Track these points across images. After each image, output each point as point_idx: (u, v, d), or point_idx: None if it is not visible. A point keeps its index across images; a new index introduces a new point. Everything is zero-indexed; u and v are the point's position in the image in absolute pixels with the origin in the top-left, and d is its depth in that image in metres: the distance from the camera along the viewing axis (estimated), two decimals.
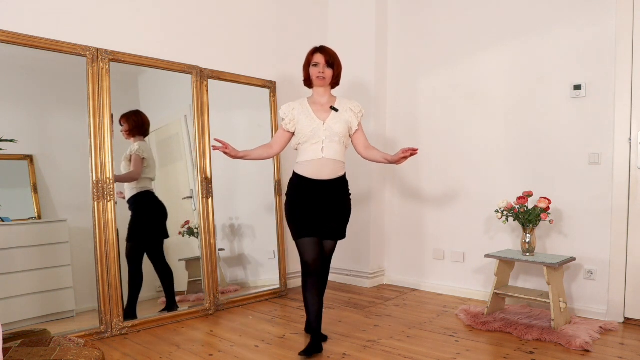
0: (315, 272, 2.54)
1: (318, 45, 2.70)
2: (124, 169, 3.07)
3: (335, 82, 2.67)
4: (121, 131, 3.05)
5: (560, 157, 3.26)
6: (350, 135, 2.67)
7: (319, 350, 2.54)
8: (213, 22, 3.57)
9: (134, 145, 3.08)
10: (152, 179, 3.16)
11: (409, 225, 4.07)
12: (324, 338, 2.70)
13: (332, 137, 2.55)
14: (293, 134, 2.65)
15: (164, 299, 3.22)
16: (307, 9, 4.24)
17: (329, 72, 2.60)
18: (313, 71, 2.61)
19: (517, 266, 3.37)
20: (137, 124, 3.09)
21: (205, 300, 3.28)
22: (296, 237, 2.57)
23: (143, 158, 3.08)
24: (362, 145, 2.71)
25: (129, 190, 3.09)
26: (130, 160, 3.05)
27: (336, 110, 2.60)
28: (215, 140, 2.61)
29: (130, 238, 3.02)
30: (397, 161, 2.58)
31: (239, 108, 3.76)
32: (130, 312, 2.98)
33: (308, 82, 2.69)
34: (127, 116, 3.07)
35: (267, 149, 2.71)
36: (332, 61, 2.61)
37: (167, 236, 3.24)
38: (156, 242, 3.19)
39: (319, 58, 2.61)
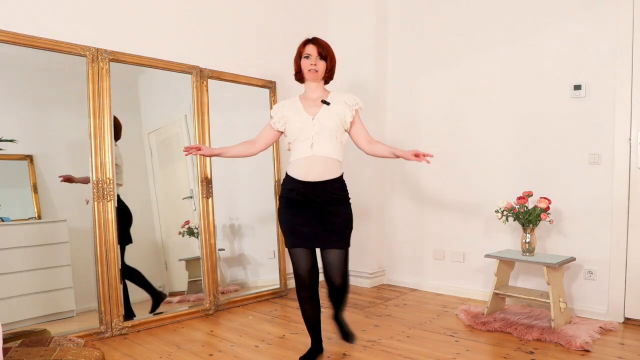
0: (310, 284, 2.41)
1: (310, 37, 2.48)
2: None
3: (328, 76, 2.46)
4: None
5: (561, 157, 3.26)
6: (346, 130, 2.44)
7: (320, 350, 2.54)
8: (213, 22, 3.57)
9: None
10: (120, 184, 3.03)
11: (409, 225, 4.07)
12: (352, 337, 2.61)
13: (321, 132, 2.33)
14: (282, 133, 2.48)
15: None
16: (307, 9, 4.24)
17: (321, 65, 2.39)
18: (304, 64, 2.40)
19: (517, 266, 3.36)
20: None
21: (205, 300, 3.28)
22: (288, 246, 2.42)
23: (116, 164, 3.01)
24: (364, 140, 2.48)
25: None
26: None
27: (327, 103, 2.39)
28: (186, 147, 2.52)
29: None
30: (407, 157, 2.40)
31: (239, 108, 3.76)
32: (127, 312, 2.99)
33: (299, 76, 2.47)
34: None
35: (249, 146, 2.54)
36: (325, 53, 2.40)
37: (130, 241, 3.09)
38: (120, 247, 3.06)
39: (310, 49, 2.39)
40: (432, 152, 3.77)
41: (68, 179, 2.84)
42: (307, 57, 2.39)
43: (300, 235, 2.36)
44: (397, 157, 2.44)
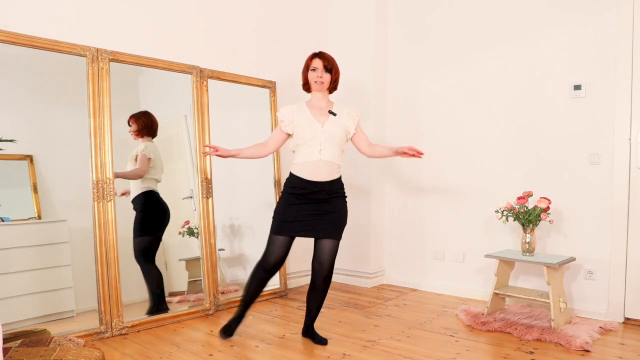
0: (270, 270, 2.68)
1: (317, 50, 2.76)
2: (130, 169, 3.09)
3: (333, 87, 2.74)
4: (129, 131, 3.09)
5: (561, 157, 3.26)
6: (348, 139, 2.75)
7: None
8: (213, 22, 3.57)
9: (140, 144, 3.11)
10: (158, 181, 3.18)
11: (409, 225, 4.07)
12: (324, 341, 2.71)
13: (330, 139, 2.62)
14: (290, 135, 2.71)
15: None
16: (307, 9, 4.24)
17: (327, 77, 2.67)
18: (311, 76, 2.68)
19: (517, 266, 3.36)
20: (145, 125, 3.12)
21: (205, 300, 3.28)
22: (272, 232, 2.66)
23: (149, 158, 3.10)
24: (365, 145, 2.79)
25: (134, 189, 3.11)
26: (136, 160, 3.08)
27: (334, 114, 2.68)
28: (205, 146, 2.72)
29: (135, 234, 3.08)
30: (402, 153, 2.65)
31: (239, 108, 3.75)
32: (160, 309, 3.07)
33: (306, 87, 2.76)
34: (136, 117, 3.10)
35: (261, 148, 2.76)
36: (330, 66, 2.67)
37: (160, 239, 3.22)
38: (151, 243, 3.18)
39: (317, 63, 2.67)
40: (433, 152, 3.85)
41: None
42: (314, 70, 2.67)
43: (289, 225, 2.62)
44: (396, 153, 2.69)
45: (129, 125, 3.08)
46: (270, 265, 2.67)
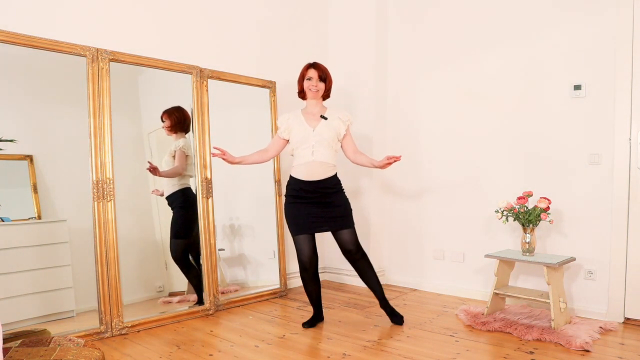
0: (310, 267, 2.92)
1: (312, 61, 2.99)
2: (166, 164, 3.14)
3: (326, 94, 2.98)
4: (163, 127, 3.16)
5: (561, 157, 3.26)
6: (339, 141, 2.95)
7: (321, 319, 3.06)
8: (213, 22, 3.57)
9: (178, 141, 3.18)
10: (192, 176, 3.25)
11: (408, 225, 4.07)
12: (401, 321, 2.99)
13: (320, 142, 2.85)
14: (287, 141, 2.95)
15: (163, 299, 3.23)
16: (307, 9, 4.24)
17: (321, 86, 2.92)
18: (307, 84, 2.92)
19: (517, 266, 3.36)
20: (178, 120, 3.19)
21: (205, 300, 3.28)
22: (293, 234, 2.91)
23: (187, 155, 3.14)
24: (351, 150, 3.01)
25: (170, 187, 3.15)
26: (174, 157, 3.11)
27: (325, 118, 2.90)
28: (215, 148, 2.83)
29: (175, 235, 3.15)
30: (382, 166, 2.90)
31: (239, 108, 3.76)
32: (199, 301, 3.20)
33: (302, 94, 2.99)
34: (169, 112, 3.17)
35: (263, 154, 3.01)
36: (325, 76, 2.92)
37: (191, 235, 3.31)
38: (188, 244, 3.29)
39: (312, 73, 2.91)
40: (433, 152, 3.85)
41: (153, 169, 3.06)
42: (309, 80, 2.91)
43: (303, 224, 2.86)
44: (375, 167, 2.94)
45: (162, 121, 3.14)
46: (306, 264, 2.90)
